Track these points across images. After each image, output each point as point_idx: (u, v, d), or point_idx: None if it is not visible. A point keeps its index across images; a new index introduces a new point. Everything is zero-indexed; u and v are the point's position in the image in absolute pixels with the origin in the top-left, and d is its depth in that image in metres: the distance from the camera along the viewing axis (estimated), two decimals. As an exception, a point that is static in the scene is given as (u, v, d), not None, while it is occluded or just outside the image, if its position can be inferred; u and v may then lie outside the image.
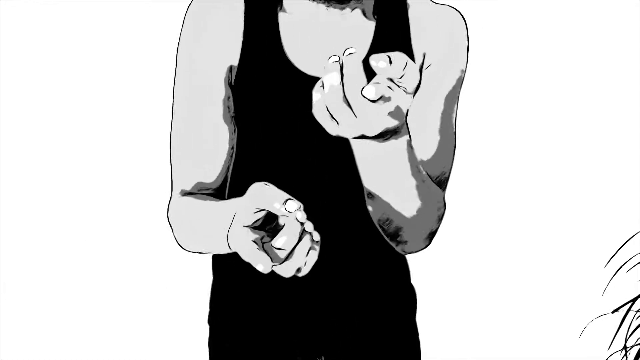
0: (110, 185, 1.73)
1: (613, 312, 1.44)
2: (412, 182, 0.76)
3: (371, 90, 0.61)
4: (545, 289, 1.82)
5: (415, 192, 0.78)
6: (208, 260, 1.01)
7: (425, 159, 0.90)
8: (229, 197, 0.98)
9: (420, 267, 1.09)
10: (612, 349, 1.47)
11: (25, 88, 1.70)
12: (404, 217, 0.80)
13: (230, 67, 0.89)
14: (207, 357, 1.02)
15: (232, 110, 0.90)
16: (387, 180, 0.76)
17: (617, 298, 1.57)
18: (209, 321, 1.01)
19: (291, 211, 0.66)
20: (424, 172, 0.80)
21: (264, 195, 0.68)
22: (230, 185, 0.96)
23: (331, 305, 0.95)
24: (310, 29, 0.89)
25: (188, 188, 0.91)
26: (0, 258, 1.73)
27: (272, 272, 0.93)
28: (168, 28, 1.63)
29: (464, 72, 0.94)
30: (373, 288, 0.96)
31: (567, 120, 1.80)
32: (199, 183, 0.91)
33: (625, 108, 1.81)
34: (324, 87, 0.64)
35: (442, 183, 0.93)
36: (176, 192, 0.92)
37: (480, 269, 1.80)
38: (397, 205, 0.78)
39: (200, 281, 1.12)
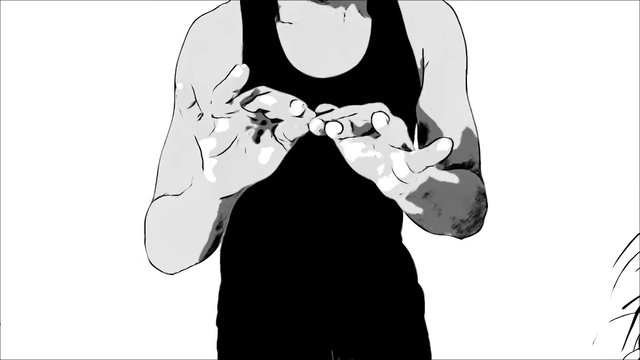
0: (113, 185, 1.72)
1: (623, 307, 1.43)
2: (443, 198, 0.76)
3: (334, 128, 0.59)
4: (554, 290, 1.81)
5: (449, 202, 0.78)
6: (216, 263, 1.01)
7: (454, 147, 0.92)
8: (239, 205, 0.97)
9: (428, 268, 1.09)
10: (626, 350, 1.47)
11: (25, 88, 1.70)
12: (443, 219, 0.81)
13: None
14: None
15: None
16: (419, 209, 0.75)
17: (627, 296, 1.57)
18: (217, 323, 1.01)
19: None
20: (448, 180, 0.79)
21: None
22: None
23: (340, 307, 0.95)
24: (310, 34, 0.90)
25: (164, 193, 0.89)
26: (0, 258, 1.73)
27: (281, 274, 0.94)
28: (168, 28, 1.65)
29: (465, 59, 0.96)
30: (381, 290, 0.96)
31: (568, 120, 1.80)
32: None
33: (625, 108, 1.81)
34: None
35: (475, 170, 0.95)
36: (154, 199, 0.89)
37: (487, 270, 1.80)
38: (439, 213, 0.79)
39: (208, 284, 1.12)
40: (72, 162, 1.72)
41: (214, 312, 1.02)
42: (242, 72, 0.57)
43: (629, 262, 1.43)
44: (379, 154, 0.63)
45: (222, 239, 1.01)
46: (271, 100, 0.58)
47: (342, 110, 0.63)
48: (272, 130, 0.64)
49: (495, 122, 1.76)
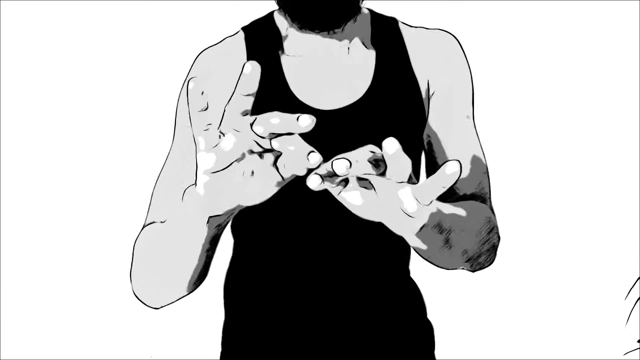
0: (114, 186, 1.72)
1: (638, 341, 1.43)
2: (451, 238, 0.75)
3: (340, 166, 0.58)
4: (567, 323, 1.79)
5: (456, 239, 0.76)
6: (219, 297, 1.00)
7: (464, 176, 0.91)
8: (239, 234, 0.96)
9: (437, 302, 1.08)
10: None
11: (25, 88, 1.69)
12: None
13: None
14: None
15: None
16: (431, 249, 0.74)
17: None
18: (222, 361, 1.00)
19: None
20: (457, 213, 0.77)
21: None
22: (239, 219, 0.94)
23: (348, 344, 0.93)
24: (314, 66, 0.89)
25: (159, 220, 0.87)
26: (0, 258, 1.72)
27: (286, 310, 0.92)
28: (169, 28, 1.65)
29: (472, 89, 0.95)
30: (389, 325, 0.95)
31: (568, 123, 1.78)
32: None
33: (625, 108, 1.80)
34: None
35: (484, 200, 0.93)
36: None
37: (498, 304, 1.78)
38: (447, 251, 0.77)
39: (212, 320, 1.10)
40: (73, 162, 1.71)
41: (218, 349, 1.01)
42: (251, 68, 0.56)
43: (639, 298, 1.42)
44: (382, 194, 0.62)
45: (226, 271, 1.00)
46: (276, 120, 0.57)
47: (337, 157, 0.61)
48: (275, 159, 0.62)
49: (497, 138, 1.74)
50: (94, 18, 1.68)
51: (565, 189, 1.79)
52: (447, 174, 0.57)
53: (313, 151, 0.58)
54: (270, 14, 0.94)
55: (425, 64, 0.92)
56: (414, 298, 0.99)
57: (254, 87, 0.57)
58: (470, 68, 0.95)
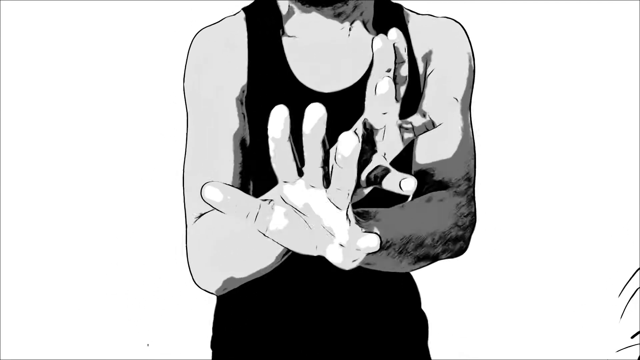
0: (113, 186, 1.70)
1: (632, 337, 1.42)
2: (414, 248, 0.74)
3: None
4: (559, 319, 1.79)
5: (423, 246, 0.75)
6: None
7: (444, 159, 0.89)
8: None
9: (432, 293, 1.07)
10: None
11: (25, 88, 1.69)
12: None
13: (242, 90, 0.87)
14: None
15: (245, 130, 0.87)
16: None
17: (635, 325, 1.57)
18: (212, 345, 0.99)
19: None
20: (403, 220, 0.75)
21: None
22: None
23: (341, 334, 0.92)
24: (315, 48, 0.89)
25: (204, 210, 0.83)
26: (0, 258, 1.71)
27: (279, 298, 0.91)
28: (169, 28, 1.65)
29: (472, 73, 0.93)
30: (384, 316, 0.94)
31: (569, 122, 1.78)
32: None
33: (625, 108, 1.80)
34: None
35: (469, 186, 0.90)
36: (191, 220, 0.83)
37: (494, 296, 1.77)
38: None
39: (203, 305, 1.09)
40: (73, 162, 1.70)
41: (208, 334, 0.99)
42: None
43: (636, 290, 1.42)
44: (316, 226, 0.57)
45: None
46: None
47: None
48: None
49: (496, 135, 1.73)
50: (94, 18, 1.67)
51: (563, 186, 1.79)
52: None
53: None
54: None
55: (426, 46, 0.91)
56: (408, 288, 0.98)
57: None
58: (474, 55, 0.94)
